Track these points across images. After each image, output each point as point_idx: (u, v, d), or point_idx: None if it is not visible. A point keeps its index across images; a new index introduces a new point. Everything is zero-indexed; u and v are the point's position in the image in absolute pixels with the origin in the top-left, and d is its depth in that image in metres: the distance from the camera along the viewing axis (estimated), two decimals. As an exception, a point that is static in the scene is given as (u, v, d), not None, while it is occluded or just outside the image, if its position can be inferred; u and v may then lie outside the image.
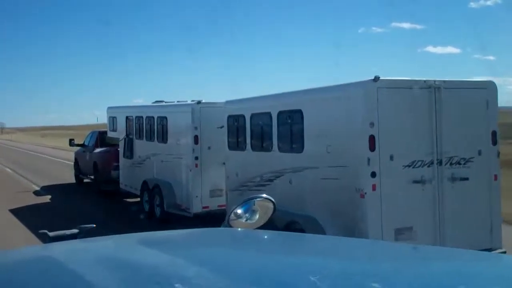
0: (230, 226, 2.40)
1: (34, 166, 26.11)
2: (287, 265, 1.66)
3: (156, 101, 13.84)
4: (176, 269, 1.56)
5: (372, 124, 6.42)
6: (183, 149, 11.07)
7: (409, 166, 6.64)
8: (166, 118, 11.85)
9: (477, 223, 6.94)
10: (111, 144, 16.05)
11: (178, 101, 12.68)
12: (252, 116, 8.78)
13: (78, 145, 18.49)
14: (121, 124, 14.65)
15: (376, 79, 6.43)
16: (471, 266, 1.63)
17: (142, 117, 13.21)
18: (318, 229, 6.88)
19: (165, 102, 13.26)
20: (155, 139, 12.36)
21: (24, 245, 2.70)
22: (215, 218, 9.27)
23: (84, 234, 2.31)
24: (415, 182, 6.66)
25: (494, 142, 7.13)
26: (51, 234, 2.26)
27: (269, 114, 8.26)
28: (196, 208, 10.66)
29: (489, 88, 7.20)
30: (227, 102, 9.78)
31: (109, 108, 16.02)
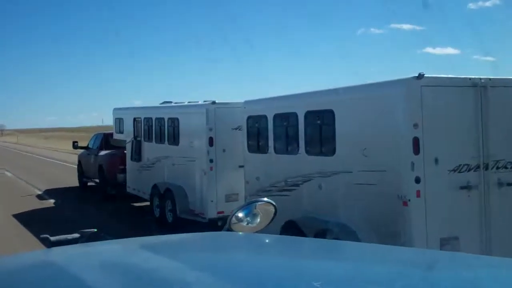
0: (232, 230, 2.38)
1: (61, 179, 20.27)
2: (289, 269, 1.64)
3: (164, 102, 13.31)
4: (177, 273, 1.54)
5: (416, 125, 5.92)
6: (197, 151, 10.54)
7: (454, 170, 6.13)
8: (177, 119, 11.31)
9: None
10: (116, 147, 15.55)
11: (189, 102, 12.16)
12: (275, 116, 8.25)
13: (82, 147, 17.99)
14: (128, 125, 14.10)
15: (420, 76, 5.93)
16: (476, 271, 1.59)
17: (151, 118, 12.66)
18: (353, 238, 6.37)
19: (175, 103, 12.74)
20: (166, 141, 11.82)
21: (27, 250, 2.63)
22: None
23: (86, 238, 2.30)
24: (461, 188, 6.15)
25: None
26: (52, 238, 2.25)
27: (295, 115, 7.74)
28: (211, 213, 10.13)
29: None
30: (246, 102, 9.25)
31: (115, 109, 15.48)
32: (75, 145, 18.46)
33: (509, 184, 6.38)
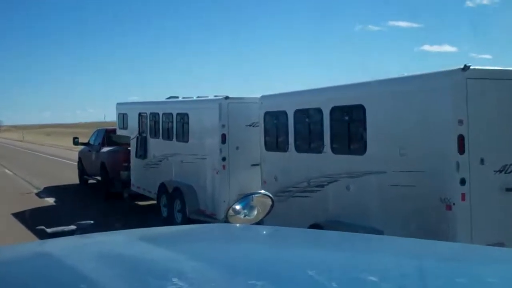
0: (229, 222, 2.38)
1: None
2: (285, 260, 1.66)
3: (171, 97, 12.75)
4: (173, 264, 1.54)
5: (461, 122, 5.41)
6: (208, 149, 9.99)
7: (500, 171, 5.63)
8: (187, 115, 10.75)
9: None
10: (118, 143, 14.99)
11: (198, 97, 11.60)
12: (297, 112, 7.72)
13: (82, 143, 17.43)
14: (133, 121, 13.51)
15: (466, 68, 5.42)
16: (474, 260, 1.61)
17: (158, 114, 12.08)
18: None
19: (182, 98, 12.18)
20: (174, 137, 11.25)
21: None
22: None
23: (82, 230, 2.28)
24: (507, 190, 5.65)
25: None
26: (48, 230, 2.23)
27: (319, 110, 7.21)
28: (224, 214, 9.59)
29: None
30: (264, 97, 8.71)
31: (118, 104, 14.89)
32: (75, 141, 17.94)
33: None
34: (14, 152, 38.50)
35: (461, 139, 5.39)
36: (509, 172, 5.69)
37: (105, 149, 15.24)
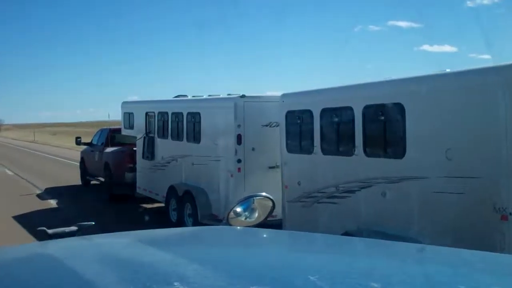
0: (230, 224, 2.38)
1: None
2: (286, 263, 1.65)
3: (179, 96, 12.17)
4: (175, 267, 1.53)
5: None
6: (222, 150, 9.42)
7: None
8: (199, 114, 10.16)
9: None
10: (122, 143, 14.41)
11: (209, 95, 11.02)
12: (323, 111, 7.14)
13: (85, 143, 16.87)
14: (139, 120, 12.92)
15: None
16: (474, 266, 1.58)
17: (166, 113, 11.49)
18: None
19: (192, 97, 11.60)
20: (184, 138, 10.66)
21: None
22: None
23: (83, 231, 2.27)
24: None
25: None
26: (49, 231, 2.22)
27: (349, 109, 6.65)
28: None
29: None
30: (285, 95, 8.14)
31: (124, 103, 14.31)
32: (78, 141, 17.39)
33: None
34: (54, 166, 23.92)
35: None
36: None
37: (109, 149, 14.64)
